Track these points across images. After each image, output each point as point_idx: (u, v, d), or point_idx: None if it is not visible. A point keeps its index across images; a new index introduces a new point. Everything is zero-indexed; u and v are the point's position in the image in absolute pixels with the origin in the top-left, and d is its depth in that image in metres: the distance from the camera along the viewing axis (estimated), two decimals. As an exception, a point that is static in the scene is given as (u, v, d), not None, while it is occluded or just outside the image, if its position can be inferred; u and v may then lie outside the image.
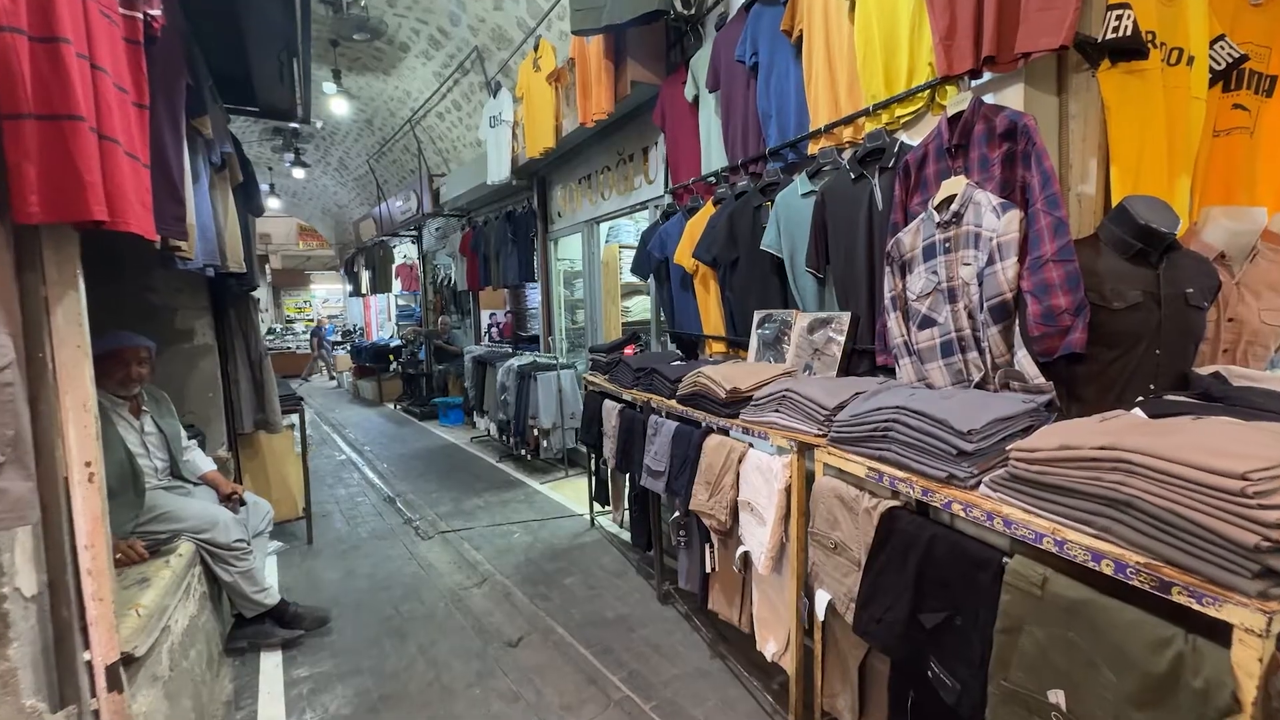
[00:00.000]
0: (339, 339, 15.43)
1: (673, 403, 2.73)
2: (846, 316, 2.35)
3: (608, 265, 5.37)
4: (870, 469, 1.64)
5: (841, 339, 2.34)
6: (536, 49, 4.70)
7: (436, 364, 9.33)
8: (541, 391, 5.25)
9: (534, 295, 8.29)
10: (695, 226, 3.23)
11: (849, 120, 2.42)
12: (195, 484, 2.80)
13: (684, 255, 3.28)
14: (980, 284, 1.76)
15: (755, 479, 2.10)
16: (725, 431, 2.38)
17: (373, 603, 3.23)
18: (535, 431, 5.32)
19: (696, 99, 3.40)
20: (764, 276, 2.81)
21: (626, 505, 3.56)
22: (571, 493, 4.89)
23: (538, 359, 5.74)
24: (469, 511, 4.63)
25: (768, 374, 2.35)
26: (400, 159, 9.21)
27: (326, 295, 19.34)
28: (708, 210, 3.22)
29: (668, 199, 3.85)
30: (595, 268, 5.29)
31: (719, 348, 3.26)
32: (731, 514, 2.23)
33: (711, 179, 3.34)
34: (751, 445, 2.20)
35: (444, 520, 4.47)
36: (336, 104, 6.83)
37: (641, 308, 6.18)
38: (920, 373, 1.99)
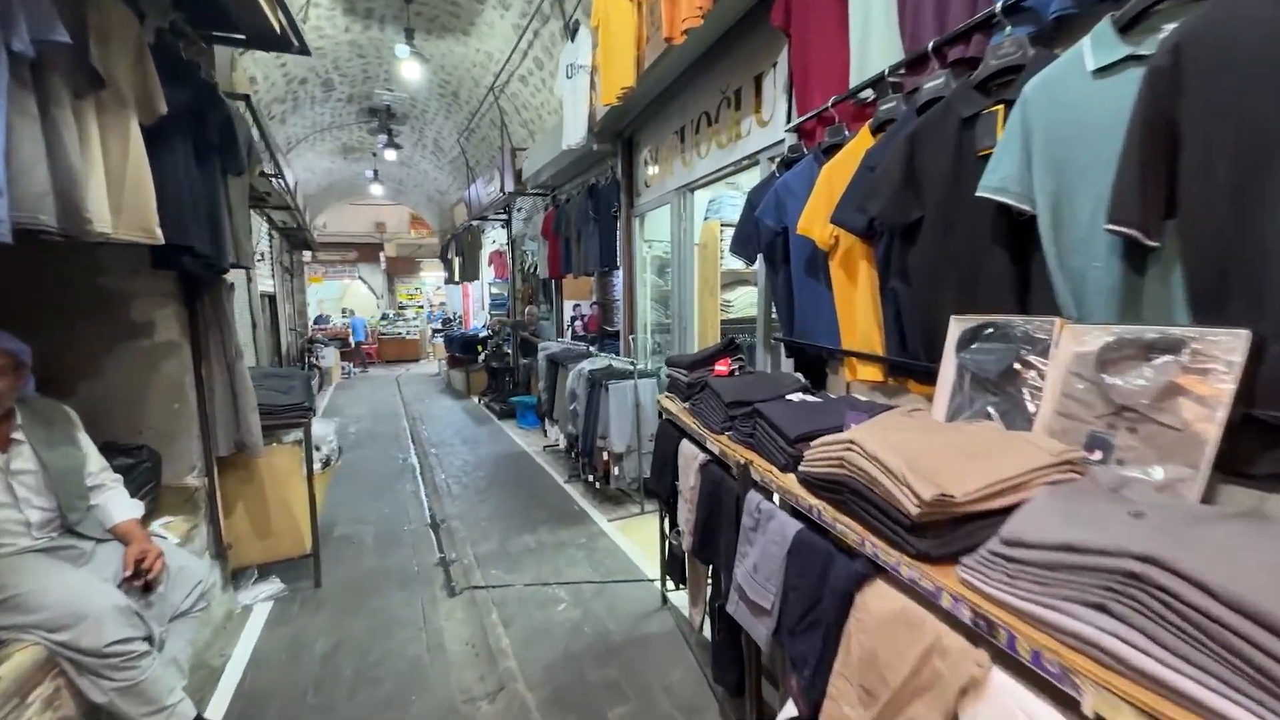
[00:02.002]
0: (439, 327, 15.50)
1: (790, 480, 1.50)
2: (1234, 340, 0.98)
3: (705, 248, 4.17)
4: None
5: (1220, 391, 0.99)
6: (617, -41, 3.57)
7: (522, 357, 8.62)
8: (614, 405, 4.17)
9: (619, 283, 7.26)
10: (836, 174, 1.95)
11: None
12: (101, 540, 2.01)
13: (814, 221, 2.01)
14: None
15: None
16: (913, 586, 1.11)
17: (347, 708, 2.32)
18: (605, 455, 4.26)
19: (845, -33, 2.10)
20: (974, 251, 1.48)
21: (707, 610, 2.37)
22: (643, 540, 3.78)
23: (614, 363, 4.67)
24: (515, 555, 3.67)
25: (1019, 462, 1.05)
26: (488, 135, 8.55)
27: (437, 283, 19.78)
28: (860, 144, 1.92)
29: (789, 140, 2.57)
30: (686, 250, 4.10)
31: (870, 373, 1.96)
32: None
33: (867, 95, 2.03)
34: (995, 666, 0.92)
35: (482, 566, 3.54)
36: (409, 68, 6.16)
37: (747, 301, 4.92)
38: None
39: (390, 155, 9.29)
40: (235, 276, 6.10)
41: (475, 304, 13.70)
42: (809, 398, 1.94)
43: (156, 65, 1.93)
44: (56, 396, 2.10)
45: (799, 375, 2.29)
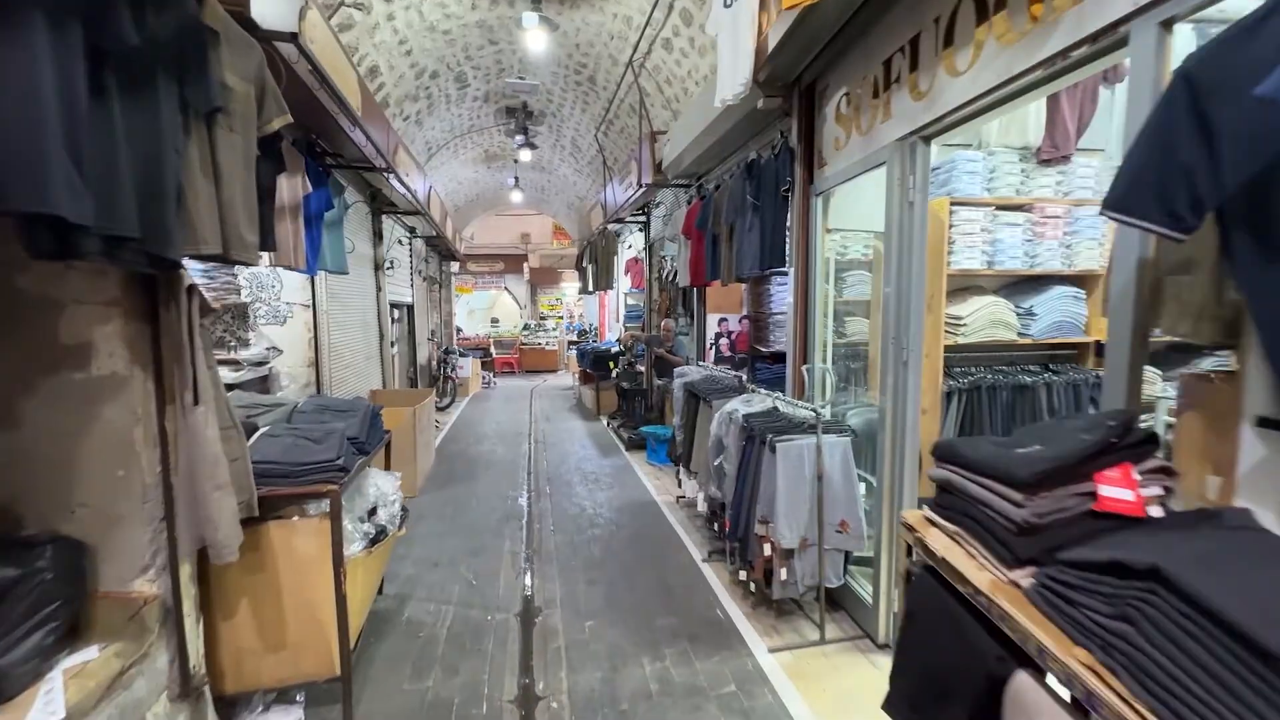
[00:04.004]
0: (574, 339, 15.02)
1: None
2: None
3: (932, 239, 2.63)
4: None
5: None
6: None
7: (656, 378, 7.47)
8: (784, 475, 2.74)
9: (781, 294, 5.77)
10: None
11: None
12: None
13: None
14: None
15: None
16: None
17: None
18: (767, 547, 2.83)
19: None
20: None
21: None
22: (831, 698, 2.30)
23: (781, 405, 3.24)
24: (628, 705, 2.39)
25: None
26: (626, 125, 7.56)
27: (577, 294, 19.62)
28: None
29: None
30: (911, 235, 2.57)
31: None
32: None
33: None
34: None
35: (577, 715, 2.31)
36: (535, 38, 5.28)
37: (986, 319, 3.28)
38: None
39: (526, 156, 8.71)
40: (352, 281, 5.71)
41: (611, 316, 12.94)
42: None
43: None
44: None
45: None
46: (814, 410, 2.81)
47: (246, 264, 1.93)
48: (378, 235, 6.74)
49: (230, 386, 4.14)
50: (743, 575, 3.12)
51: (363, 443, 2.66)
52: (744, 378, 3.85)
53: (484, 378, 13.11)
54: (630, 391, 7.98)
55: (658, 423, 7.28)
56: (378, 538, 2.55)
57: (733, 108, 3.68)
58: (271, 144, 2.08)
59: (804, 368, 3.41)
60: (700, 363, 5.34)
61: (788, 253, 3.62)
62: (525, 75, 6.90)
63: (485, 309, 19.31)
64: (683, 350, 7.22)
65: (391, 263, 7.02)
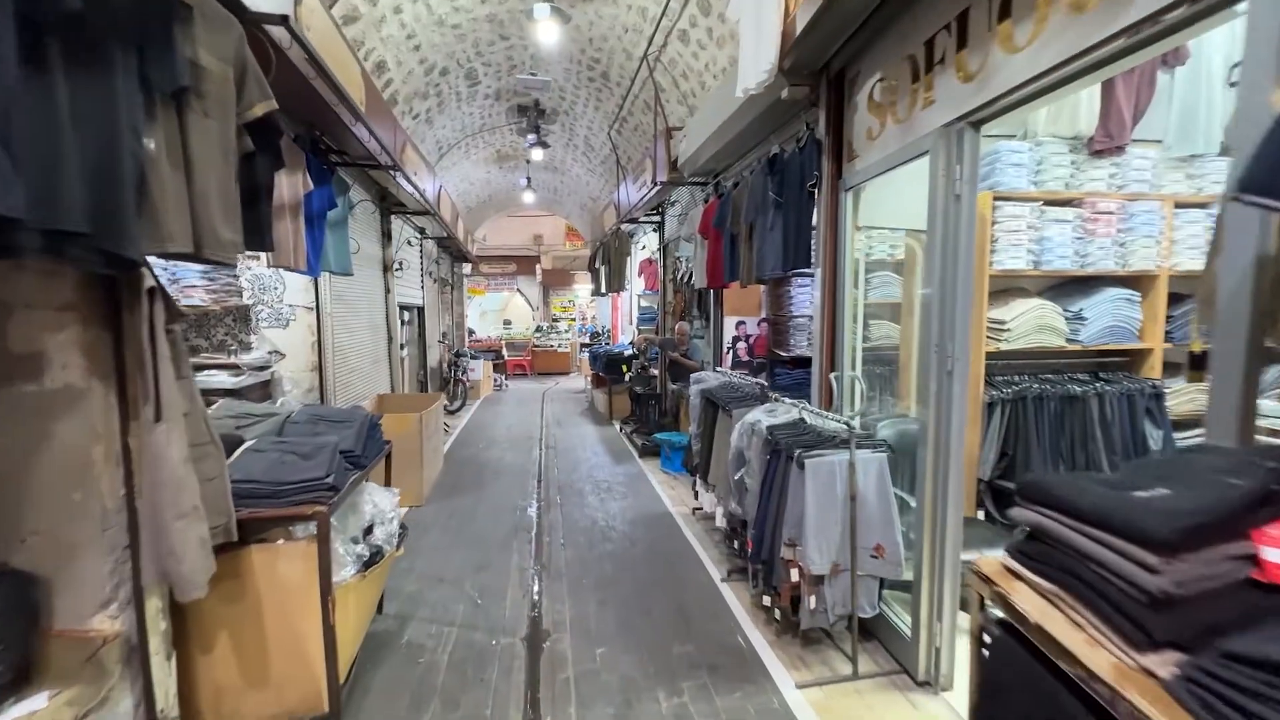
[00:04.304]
0: (586, 341, 14.84)
1: None
2: None
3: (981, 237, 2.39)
4: None
5: None
6: None
7: (671, 382, 7.25)
8: (813, 493, 2.50)
9: (801, 296, 5.54)
10: None
11: None
12: None
13: None
14: None
15: None
16: None
17: None
18: (794, 571, 2.60)
19: None
20: None
21: None
22: (873, 761, 2.07)
23: (807, 416, 3.00)
24: (642, 747, 2.18)
25: None
26: (640, 123, 7.35)
27: (590, 296, 19.44)
28: None
29: None
30: (956, 228, 2.32)
31: None
32: None
33: None
34: None
35: (587, 766, 2.10)
36: (546, 30, 5.09)
37: (1031, 324, 3.04)
38: None
39: (538, 155, 8.53)
40: (359, 283, 5.57)
41: (624, 318, 12.74)
42: None
43: None
44: None
45: None
46: (845, 423, 2.58)
47: (223, 263, 1.75)
48: (386, 236, 6.59)
49: (231, 392, 3.99)
50: (766, 601, 2.89)
51: (358, 456, 2.47)
52: (765, 385, 3.62)
53: (495, 380, 12.96)
54: (643, 396, 7.76)
55: (672, 428, 7.06)
56: (373, 560, 2.36)
57: (755, 99, 3.45)
58: (269, 139, 1.90)
59: (832, 375, 3.18)
60: (718, 369, 5.11)
61: (813, 252, 3.39)
62: (537, 71, 6.72)
63: (498, 311, 19.20)
64: (698, 354, 7.00)
65: (400, 264, 6.87)
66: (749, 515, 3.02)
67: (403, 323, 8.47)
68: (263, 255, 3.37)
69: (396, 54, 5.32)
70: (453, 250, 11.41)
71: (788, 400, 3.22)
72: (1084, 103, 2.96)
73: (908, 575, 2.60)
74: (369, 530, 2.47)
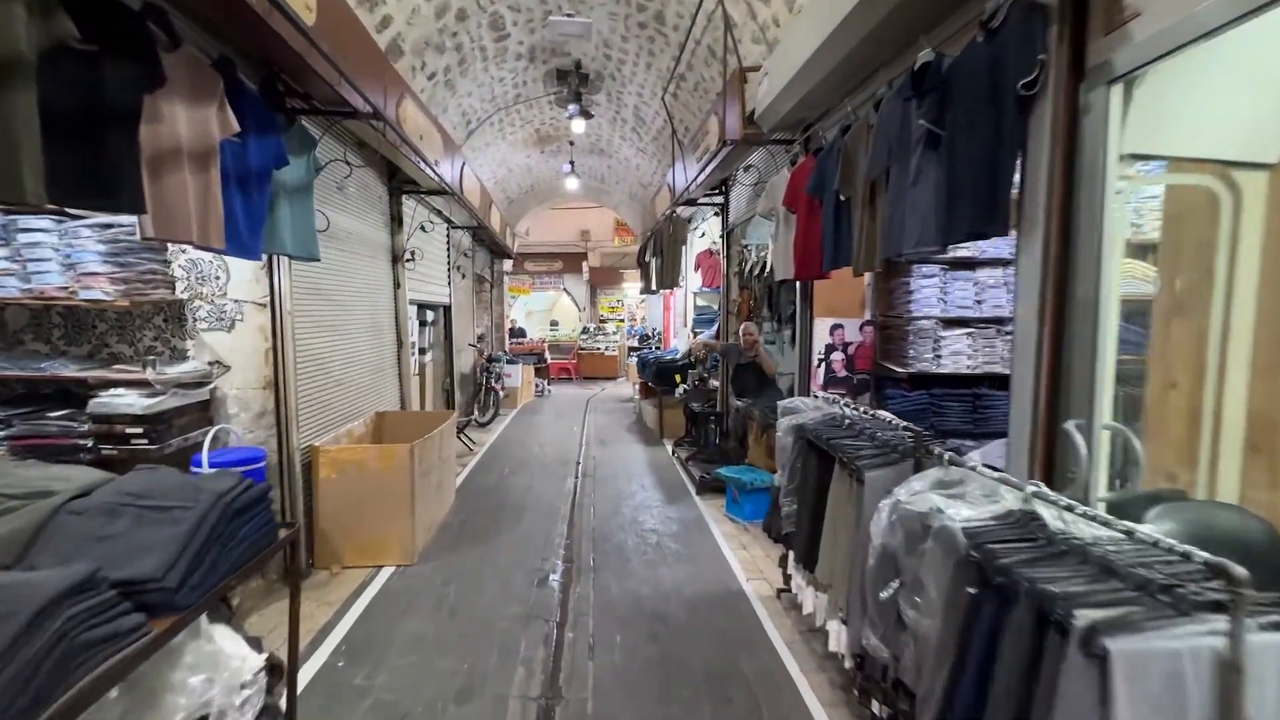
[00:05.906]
0: (635, 345, 13.58)
1: None
2: None
3: None
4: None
5: None
6: None
7: (735, 397, 5.86)
8: (1129, 711, 1.09)
9: (926, 289, 4.10)
10: None
11: None
12: None
13: None
14: None
15: None
16: None
17: None
18: None
19: None
20: None
21: None
22: None
23: (1042, 508, 1.56)
24: None
25: None
26: (702, 79, 6.00)
27: (640, 296, 18.19)
28: None
29: None
30: None
31: None
32: None
33: None
34: None
35: None
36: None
37: None
38: None
39: (579, 127, 7.31)
40: (354, 274, 4.32)
41: (678, 319, 11.39)
42: None
43: None
44: None
45: None
46: (1175, 549, 1.16)
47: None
48: (396, 220, 5.51)
49: (140, 420, 2.92)
50: None
51: (171, 590, 1.25)
52: (921, 430, 2.19)
53: (537, 386, 11.88)
54: (701, 415, 6.41)
55: (737, 455, 5.68)
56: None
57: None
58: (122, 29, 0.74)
59: (1071, 424, 1.73)
60: (815, 393, 3.69)
61: (1026, 198, 1.96)
62: (575, 12, 5.48)
63: (544, 311, 18.23)
64: (771, 362, 5.60)
65: (413, 254, 5.78)
66: (920, 684, 1.63)
67: (427, 324, 7.44)
68: (140, 221, 2.24)
69: (395, -16, 4.19)
70: (489, 243, 10.38)
71: (982, 467, 1.79)
72: None
73: None
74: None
